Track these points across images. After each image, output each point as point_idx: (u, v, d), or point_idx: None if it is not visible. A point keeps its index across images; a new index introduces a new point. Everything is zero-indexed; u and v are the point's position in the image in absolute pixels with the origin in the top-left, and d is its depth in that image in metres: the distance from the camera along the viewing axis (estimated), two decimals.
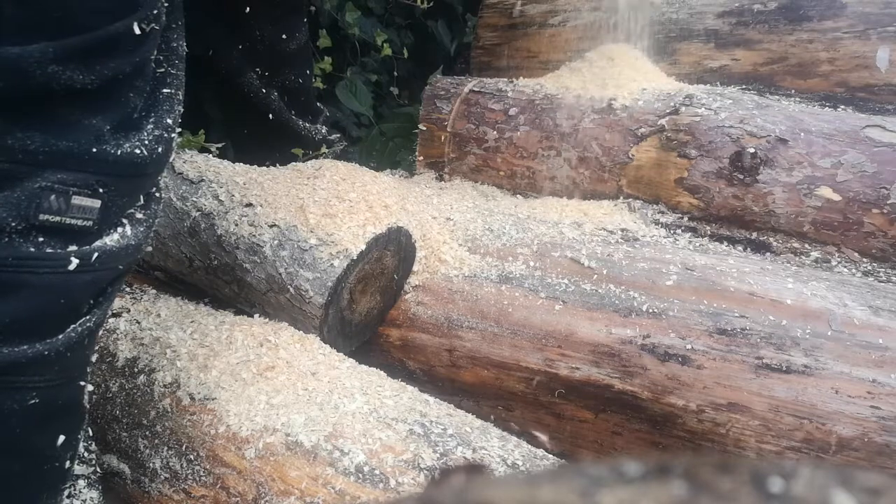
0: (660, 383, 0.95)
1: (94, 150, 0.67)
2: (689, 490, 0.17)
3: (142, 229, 0.76)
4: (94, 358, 0.78)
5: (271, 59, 1.57)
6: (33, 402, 0.69)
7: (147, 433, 0.90)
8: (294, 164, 1.17)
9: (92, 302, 0.73)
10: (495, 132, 1.44)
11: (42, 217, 0.65)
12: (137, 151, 0.71)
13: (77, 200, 0.67)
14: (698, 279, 1.02)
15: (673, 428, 0.95)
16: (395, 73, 2.15)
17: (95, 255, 0.70)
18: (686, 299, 0.99)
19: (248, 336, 0.97)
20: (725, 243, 1.20)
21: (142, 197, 0.76)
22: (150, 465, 0.88)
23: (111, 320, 1.04)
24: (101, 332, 1.01)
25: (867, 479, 0.18)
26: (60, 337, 0.69)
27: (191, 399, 0.89)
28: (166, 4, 0.73)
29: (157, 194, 0.79)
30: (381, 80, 2.15)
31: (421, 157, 1.55)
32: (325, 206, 1.04)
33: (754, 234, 1.21)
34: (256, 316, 1.05)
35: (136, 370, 0.95)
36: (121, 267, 0.74)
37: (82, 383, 0.76)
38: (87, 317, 0.72)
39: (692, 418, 0.93)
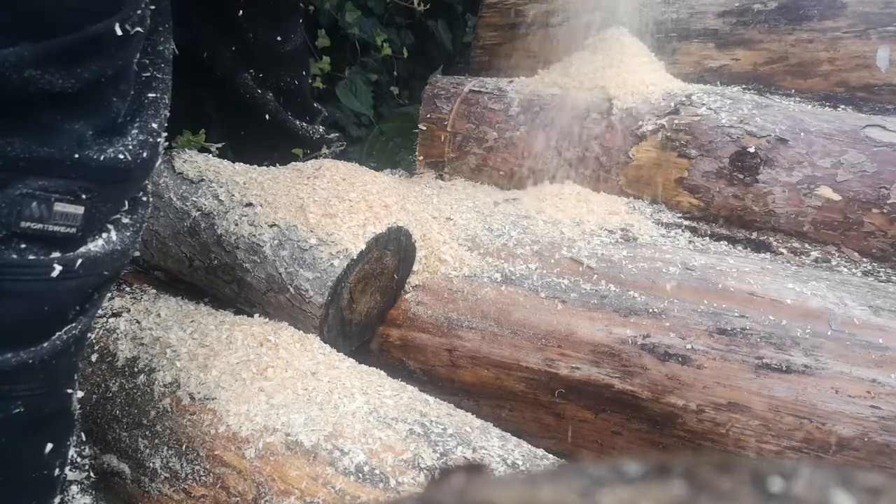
0: (660, 383, 0.95)
1: (77, 155, 0.66)
2: (689, 490, 0.17)
3: (128, 234, 0.75)
4: (81, 364, 0.77)
5: (265, 61, 1.56)
6: (18, 410, 0.68)
7: (147, 433, 0.90)
8: (294, 163, 1.17)
9: (78, 308, 0.72)
10: (495, 132, 1.44)
11: (24, 224, 0.64)
12: (121, 157, 0.70)
13: (59, 207, 0.66)
14: (698, 279, 1.02)
15: (673, 428, 0.95)
16: (395, 73, 2.15)
17: (79, 261, 0.69)
18: (686, 299, 0.99)
19: (248, 336, 0.97)
20: (725, 243, 1.20)
21: (127, 202, 0.75)
22: (150, 464, 0.88)
23: (111, 320, 1.04)
24: (100, 333, 1.02)
25: (867, 479, 0.18)
26: (45, 345, 0.68)
27: (191, 399, 0.89)
28: (152, 7, 0.72)
29: (145, 199, 0.78)
30: (381, 80, 2.15)
31: (421, 157, 1.55)
32: (325, 205, 1.04)
33: (754, 234, 1.21)
34: (256, 316, 1.05)
35: (136, 370, 0.95)
36: (107, 273, 0.73)
37: (69, 391, 0.75)
38: (73, 324, 0.71)
39: (692, 418, 0.93)
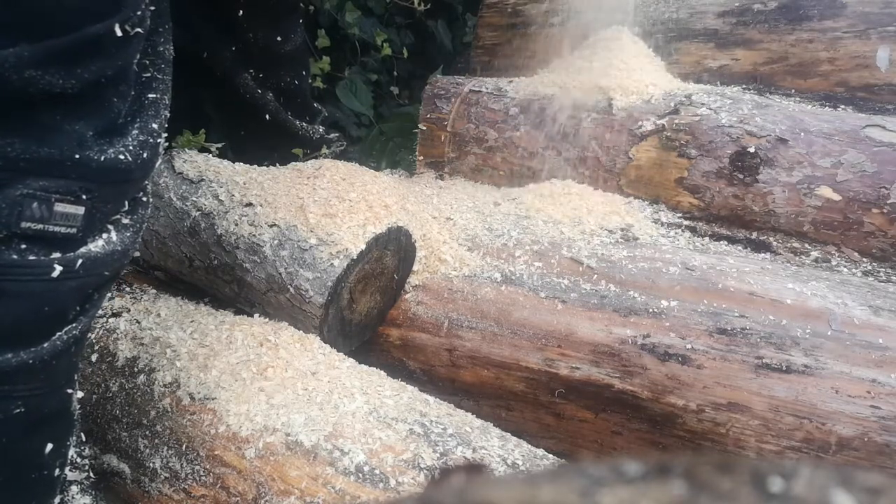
0: (660, 383, 0.95)
1: (77, 156, 0.66)
2: (689, 490, 0.17)
3: (128, 234, 0.75)
4: (81, 365, 0.77)
5: (265, 61, 1.56)
6: (18, 410, 0.68)
7: (147, 433, 0.90)
8: (294, 163, 1.17)
9: (78, 309, 0.72)
10: (495, 132, 1.44)
11: (24, 225, 0.64)
12: (122, 157, 0.70)
13: (60, 207, 0.66)
14: (698, 279, 1.02)
15: (673, 428, 0.95)
16: (395, 73, 2.15)
17: (80, 261, 0.69)
18: (686, 299, 0.99)
19: (248, 336, 0.97)
20: (725, 243, 1.20)
21: (127, 202, 0.75)
22: (150, 464, 0.88)
23: (111, 320, 1.04)
24: (100, 333, 1.02)
25: (867, 479, 0.18)
26: (45, 345, 0.68)
27: (191, 399, 0.89)
28: (152, 7, 0.72)
29: (145, 199, 0.78)
30: (381, 80, 2.15)
31: (421, 157, 1.55)
32: (325, 205, 1.04)
33: (754, 234, 1.21)
34: (256, 316, 1.05)
35: (136, 370, 0.95)
36: (107, 273, 0.73)
37: (69, 391, 0.75)
38: (74, 324, 0.71)
39: (692, 418, 0.93)
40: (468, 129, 1.47)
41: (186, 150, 1.24)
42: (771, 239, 1.20)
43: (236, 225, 1.06)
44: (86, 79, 0.65)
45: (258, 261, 1.04)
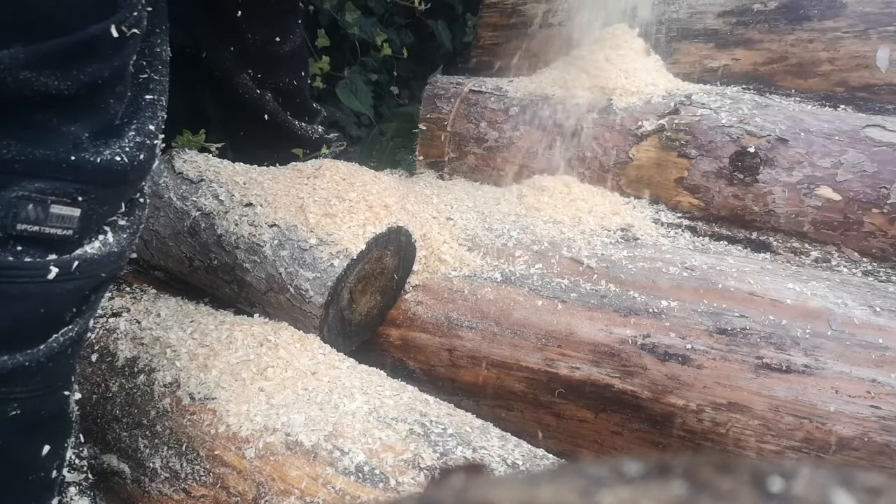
0: (660, 383, 0.95)
1: (73, 157, 0.66)
2: (689, 490, 0.17)
3: (125, 236, 0.74)
4: (80, 365, 0.76)
5: (264, 61, 1.56)
6: (15, 413, 0.68)
7: (147, 433, 0.90)
8: (294, 163, 1.17)
9: (75, 310, 0.71)
10: (495, 132, 1.44)
11: (20, 227, 0.64)
12: (118, 159, 0.69)
13: (56, 209, 0.66)
14: (698, 279, 1.02)
15: (673, 428, 0.95)
16: (395, 73, 2.15)
17: (76, 263, 0.68)
18: (686, 299, 0.99)
19: (248, 336, 0.97)
20: (725, 243, 1.20)
21: (124, 204, 0.75)
22: (150, 464, 0.88)
23: (111, 320, 1.04)
24: (100, 333, 1.02)
25: (867, 479, 0.18)
26: (42, 347, 0.68)
27: (191, 399, 0.89)
28: (148, 8, 0.71)
29: (142, 200, 0.78)
30: (381, 80, 2.15)
31: (421, 157, 1.55)
32: (325, 205, 1.04)
33: (754, 234, 1.21)
34: (256, 316, 1.05)
35: (136, 370, 0.95)
36: (104, 275, 0.72)
37: (67, 393, 0.75)
38: (70, 326, 0.71)
39: (692, 418, 0.93)
40: (468, 129, 1.47)
41: (186, 150, 1.24)
42: (771, 239, 1.20)
43: (236, 225, 1.06)
44: (82, 80, 0.65)
45: (258, 261, 1.04)
